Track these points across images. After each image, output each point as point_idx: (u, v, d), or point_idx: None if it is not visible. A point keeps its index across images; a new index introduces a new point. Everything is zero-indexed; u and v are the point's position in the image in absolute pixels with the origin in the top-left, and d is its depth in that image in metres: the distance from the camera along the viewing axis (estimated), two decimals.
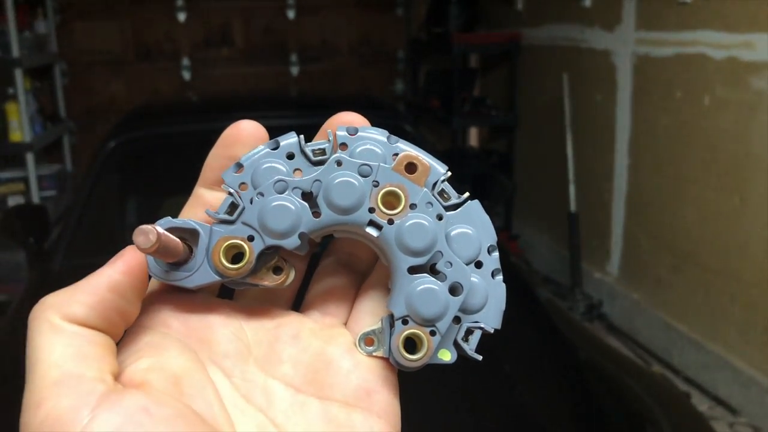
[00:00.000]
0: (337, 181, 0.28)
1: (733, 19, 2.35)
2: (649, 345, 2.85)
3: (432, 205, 0.28)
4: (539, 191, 3.79)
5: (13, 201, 3.48)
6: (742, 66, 2.31)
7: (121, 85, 4.33)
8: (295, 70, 4.53)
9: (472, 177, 2.59)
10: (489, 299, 0.29)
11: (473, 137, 4.42)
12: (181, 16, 4.36)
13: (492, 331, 0.29)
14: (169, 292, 0.29)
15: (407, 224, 0.28)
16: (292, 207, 0.28)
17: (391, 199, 0.28)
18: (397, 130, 2.13)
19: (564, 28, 3.41)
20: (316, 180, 0.28)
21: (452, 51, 3.80)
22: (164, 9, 4.33)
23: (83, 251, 1.83)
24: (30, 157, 3.40)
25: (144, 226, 0.24)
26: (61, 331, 0.25)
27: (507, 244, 3.64)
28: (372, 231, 0.28)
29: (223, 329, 0.29)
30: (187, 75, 4.41)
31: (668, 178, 2.71)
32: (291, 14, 4.48)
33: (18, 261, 2.43)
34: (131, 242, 0.27)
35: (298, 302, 0.32)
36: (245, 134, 0.29)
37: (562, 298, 3.25)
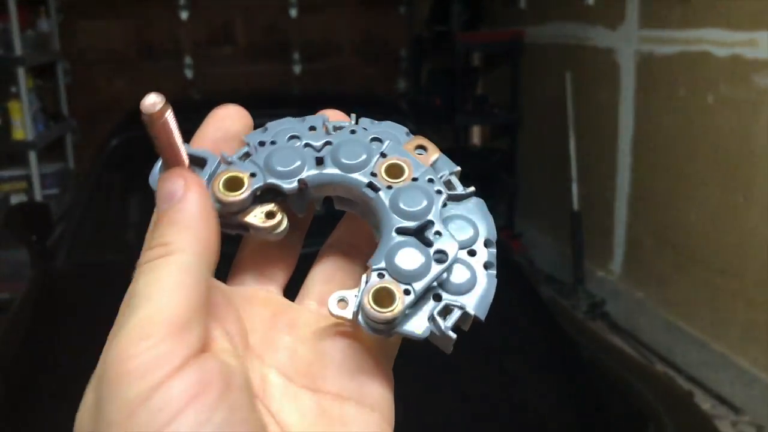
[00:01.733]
0: (346, 141, 0.29)
1: (736, 17, 2.34)
2: (652, 344, 2.84)
3: (434, 181, 0.28)
4: (542, 190, 3.78)
5: (15, 199, 3.48)
6: (746, 64, 2.30)
7: (123, 83, 4.33)
8: (297, 69, 4.53)
9: (475, 176, 2.59)
10: (477, 286, 0.27)
11: (476, 136, 4.41)
12: (184, 15, 4.36)
13: (473, 314, 0.27)
14: None
15: (404, 188, 0.28)
16: (298, 152, 0.29)
17: (394, 170, 0.28)
18: None
19: (567, 26, 3.41)
20: (328, 142, 0.29)
21: (455, 49, 3.80)
22: (167, 7, 4.33)
23: (86, 249, 1.83)
24: (32, 156, 3.40)
25: (154, 94, 0.25)
26: (192, 275, 0.23)
27: (510, 243, 3.63)
28: (369, 192, 0.28)
29: (226, 314, 0.28)
30: (189, 73, 4.41)
31: (672, 177, 2.71)
32: (293, 12, 4.48)
33: (20, 259, 2.43)
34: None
35: (292, 292, 0.32)
36: (233, 111, 0.30)
37: (565, 296, 3.25)
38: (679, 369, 2.66)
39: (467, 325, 0.27)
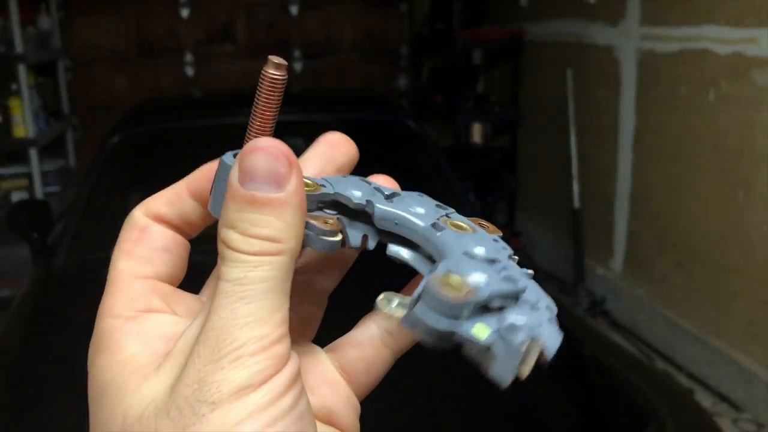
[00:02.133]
0: (415, 197, 0.29)
1: (737, 14, 2.34)
2: (652, 341, 2.84)
3: (498, 241, 0.28)
4: (543, 187, 3.78)
5: (16, 197, 3.48)
6: (747, 61, 2.30)
7: (124, 81, 4.33)
8: (298, 66, 4.52)
9: (476, 173, 2.59)
10: (544, 325, 0.23)
11: (476, 133, 4.41)
12: (184, 12, 4.36)
13: (543, 339, 0.23)
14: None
15: (471, 234, 0.27)
16: (369, 187, 0.29)
17: (457, 228, 0.28)
18: (400, 126, 2.25)
19: (568, 23, 3.40)
20: (396, 194, 0.29)
21: (455, 47, 3.80)
22: (167, 5, 4.33)
23: (86, 246, 1.83)
24: (33, 153, 3.40)
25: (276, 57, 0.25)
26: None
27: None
28: (433, 230, 0.28)
29: None
30: (190, 71, 4.41)
31: (672, 174, 2.71)
32: (294, 10, 4.48)
33: (21, 256, 2.43)
34: None
35: None
36: (339, 139, 0.31)
37: (566, 294, 3.25)
38: (680, 366, 2.66)
39: (529, 364, 0.23)
